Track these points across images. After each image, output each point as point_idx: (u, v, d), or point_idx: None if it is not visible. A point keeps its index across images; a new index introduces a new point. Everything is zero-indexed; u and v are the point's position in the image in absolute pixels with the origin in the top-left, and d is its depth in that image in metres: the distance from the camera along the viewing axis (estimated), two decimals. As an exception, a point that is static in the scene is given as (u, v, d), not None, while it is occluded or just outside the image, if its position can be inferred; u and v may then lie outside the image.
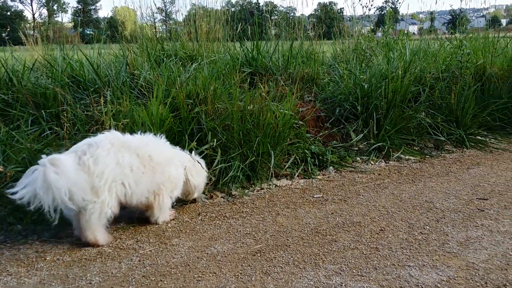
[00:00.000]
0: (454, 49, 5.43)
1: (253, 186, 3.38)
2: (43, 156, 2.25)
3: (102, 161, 2.37)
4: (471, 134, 4.56)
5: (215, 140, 3.36)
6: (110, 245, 2.48)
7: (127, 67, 4.21)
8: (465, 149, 4.33)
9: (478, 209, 2.88)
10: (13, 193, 2.17)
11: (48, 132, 3.23)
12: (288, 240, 2.50)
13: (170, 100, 3.49)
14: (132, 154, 2.53)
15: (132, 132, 2.83)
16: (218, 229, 2.69)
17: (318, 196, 3.19)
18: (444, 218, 2.75)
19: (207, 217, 2.87)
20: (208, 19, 5.98)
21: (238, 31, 5.85)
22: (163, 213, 2.75)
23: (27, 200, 2.15)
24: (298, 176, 3.58)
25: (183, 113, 3.48)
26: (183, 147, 3.22)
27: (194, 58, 5.60)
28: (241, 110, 3.54)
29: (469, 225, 2.63)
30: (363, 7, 6.81)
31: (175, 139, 3.38)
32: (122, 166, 2.45)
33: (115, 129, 2.82)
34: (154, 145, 2.71)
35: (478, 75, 5.19)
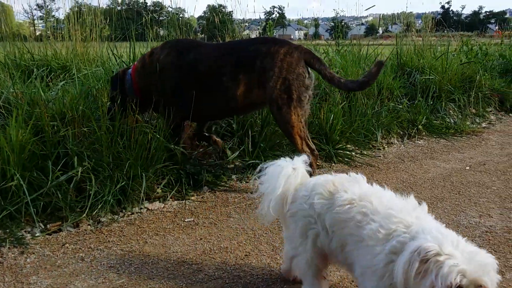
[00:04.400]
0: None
1: (123, 211, 3.30)
2: None
3: None
4: (340, 149, 4.87)
5: (83, 164, 3.23)
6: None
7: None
8: (334, 164, 4.62)
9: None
10: None
11: None
12: (152, 272, 2.48)
13: (32, 122, 3.29)
14: None
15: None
16: (80, 263, 2.59)
17: (189, 220, 3.20)
18: (306, 239, 2.91)
19: (70, 249, 2.75)
20: (91, 17, 5.76)
21: (123, 31, 5.72)
22: None
23: None
24: (171, 198, 3.57)
25: (48, 136, 3.30)
26: (47, 173, 3.07)
27: (67, 68, 5.35)
28: (111, 132, 3.44)
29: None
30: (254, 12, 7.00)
31: (39, 164, 3.20)
32: None
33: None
34: None
35: (346, 92, 5.57)
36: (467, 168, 4.46)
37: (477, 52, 8.11)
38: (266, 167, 2.27)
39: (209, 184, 3.87)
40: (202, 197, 3.66)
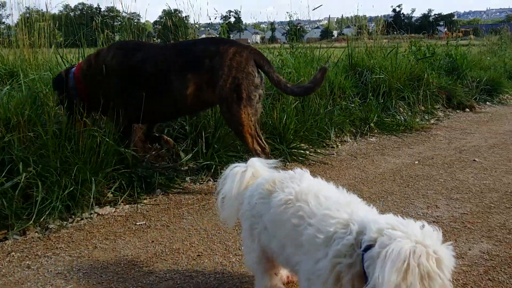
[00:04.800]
0: (279, 68, 5.82)
1: (73, 216, 3.21)
2: None
3: None
4: (294, 148, 4.92)
5: (28, 170, 3.13)
6: None
7: None
8: (288, 163, 4.65)
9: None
10: None
11: None
12: (101, 277, 2.43)
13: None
14: None
15: None
16: (27, 270, 2.50)
17: (141, 223, 3.15)
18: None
19: (16, 257, 2.65)
20: (39, 23, 5.60)
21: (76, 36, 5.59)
22: None
23: None
24: (123, 202, 3.51)
25: (-10, 142, 3.18)
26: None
27: (14, 74, 5.19)
28: (57, 136, 3.35)
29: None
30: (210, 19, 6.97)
31: (-19, 171, 3.08)
32: None
33: None
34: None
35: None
36: (416, 162, 4.59)
37: (425, 52, 8.37)
38: (224, 172, 2.23)
39: (162, 186, 3.82)
40: (155, 200, 3.61)
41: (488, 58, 9.78)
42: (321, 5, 7.32)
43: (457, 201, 3.49)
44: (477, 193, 3.65)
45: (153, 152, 4.18)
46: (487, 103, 8.25)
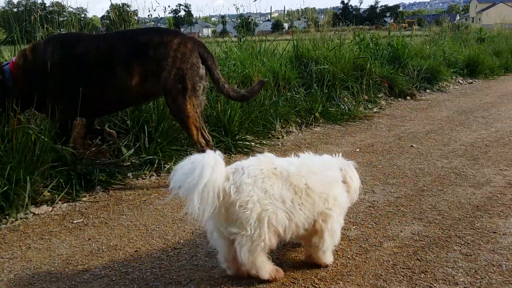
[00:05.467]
0: (223, 60, 5.82)
1: (7, 217, 3.11)
2: None
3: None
4: (239, 140, 4.94)
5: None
6: None
7: None
8: (233, 155, 4.67)
9: (231, 215, 3.13)
10: None
11: None
12: (34, 277, 2.36)
13: None
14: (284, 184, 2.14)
15: None
16: (-46, 276, 2.40)
17: (78, 221, 3.09)
18: (198, 229, 2.91)
19: None
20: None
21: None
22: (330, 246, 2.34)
23: None
24: (60, 200, 3.42)
25: None
26: None
27: None
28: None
29: (219, 234, 2.84)
30: (154, 10, 6.85)
31: None
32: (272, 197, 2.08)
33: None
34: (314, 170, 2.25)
35: (244, 83, 5.66)
36: (357, 150, 4.71)
37: (368, 42, 8.57)
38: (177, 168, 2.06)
39: (103, 183, 3.75)
40: (94, 197, 3.54)
41: (428, 47, 10.10)
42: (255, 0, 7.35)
43: (393, 185, 3.61)
44: (412, 177, 3.80)
45: (94, 148, 4.09)
46: (427, 90, 8.55)
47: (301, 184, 2.16)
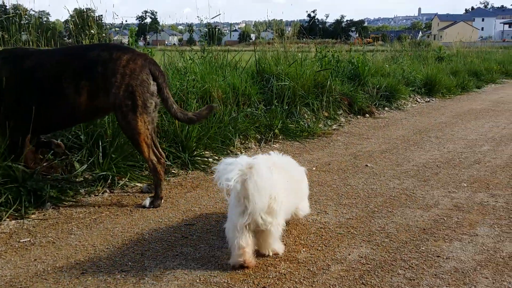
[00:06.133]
0: (183, 75, 5.80)
1: None
2: None
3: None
4: (197, 156, 4.93)
5: None
6: None
7: None
8: (190, 171, 4.65)
9: (183, 236, 3.12)
10: None
11: None
12: (-29, 302, 2.29)
13: None
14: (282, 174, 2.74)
15: None
16: None
17: (25, 240, 3.01)
18: (149, 250, 2.88)
19: None
20: None
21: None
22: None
23: None
24: (8, 218, 3.32)
25: None
26: None
27: None
28: None
29: (169, 255, 2.82)
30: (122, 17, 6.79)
31: None
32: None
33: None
34: (290, 162, 3.08)
35: (204, 99, 5.67)
36: (314, 168, 4.78)
37: (330, 59, 8.73)
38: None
39: (54, 200, 3.67)
40: (44, 215, 3.46)
41: (387, 66, 10.37)
42: (219, 14, 7.43)
43: (345, 206, 3.68)
44: (364, 198, 3.88)
45: (45, 163, 4.00)
46: (386, 108, 8.77)
47: (294, 176, 2.91)
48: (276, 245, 2.70)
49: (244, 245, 2.50)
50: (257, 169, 2.39)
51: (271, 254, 2.72)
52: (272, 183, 2.46)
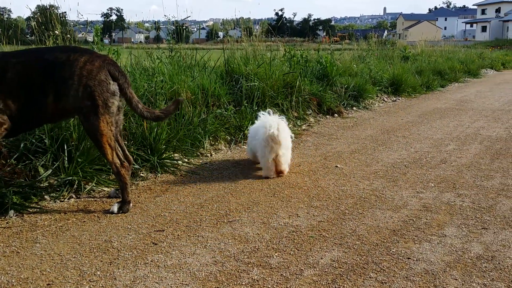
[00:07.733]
0: (150, 76, 5.71)
1: None
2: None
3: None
4: (166, 158, 4.85)
5: None
6: None
7: None
8: (159, 174, 4.58)
9: (153, 243, 3.05)
10: None
11: None
12: None
13: None
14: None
15: None
16: None
17: (-14, 251, 2.88)
18: (118, 258, 2.81)
19: None
20: None
21: None
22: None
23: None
24: (-32, 227, 3.19)
25: None
26: None
27: None
28: None
29: (139, 263, 2.76)
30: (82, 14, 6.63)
31: None
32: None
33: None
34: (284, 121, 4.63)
35: (172, 100, 5.57)
36: (284, 170, 4.77)
37: (298, 59, 8.76)
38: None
39: (17, 206, 3.54)
40: (7, 223, 3.33)
41: (355, 65, 10.49)
42: (189, 16, 7.33)
43: (317, 208, 3.68)
44: (335, 199, 3.89)
45: (8, 168, 3.86)
46: (354, 108, 8.86)
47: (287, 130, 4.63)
48: (286, 166, 4.57)
49: (272, 167, 4.46)
50: (282, 124, 4.39)
51: (286, 170, 4.61)
52: (287, 133, 4.49)
